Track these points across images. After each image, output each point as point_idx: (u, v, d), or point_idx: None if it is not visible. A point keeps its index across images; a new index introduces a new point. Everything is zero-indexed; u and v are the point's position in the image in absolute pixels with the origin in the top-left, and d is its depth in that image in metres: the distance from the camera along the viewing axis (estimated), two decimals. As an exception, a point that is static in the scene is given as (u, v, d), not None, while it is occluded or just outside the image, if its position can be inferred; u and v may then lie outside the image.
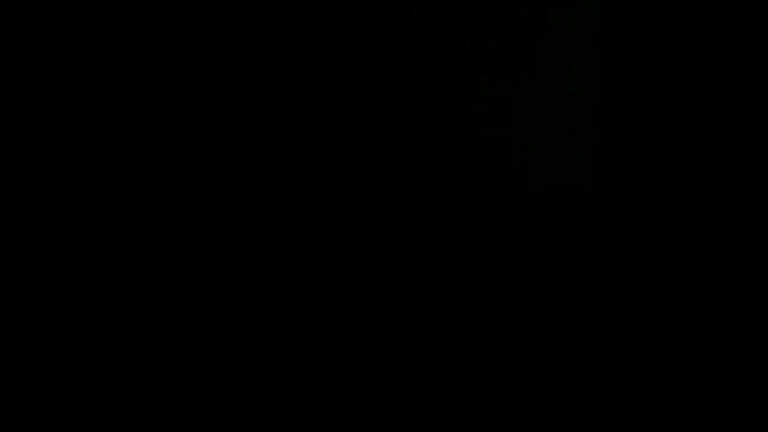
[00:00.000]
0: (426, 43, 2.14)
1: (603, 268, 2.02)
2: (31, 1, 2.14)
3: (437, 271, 2.13)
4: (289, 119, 2.16)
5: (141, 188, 2.15)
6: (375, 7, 2.15)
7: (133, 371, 2.13)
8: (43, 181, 2.13)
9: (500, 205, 2.12)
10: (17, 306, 2.12)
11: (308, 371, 2.14)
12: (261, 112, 2.16)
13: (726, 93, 1.99)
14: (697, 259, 1.99)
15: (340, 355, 2.14)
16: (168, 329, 2.14)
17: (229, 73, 2.17)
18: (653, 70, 2.03)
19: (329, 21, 2.15)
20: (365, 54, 2.15)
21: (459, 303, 2.13)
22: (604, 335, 2.02)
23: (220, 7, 2.16)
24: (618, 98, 2.04)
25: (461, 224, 2.13)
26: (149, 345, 2.14)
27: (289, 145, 2.16)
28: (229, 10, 2.16)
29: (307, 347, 2.14)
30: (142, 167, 2.16)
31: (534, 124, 2.13)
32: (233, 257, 2.15)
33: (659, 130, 2.02)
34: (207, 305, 2.15)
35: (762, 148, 1.97)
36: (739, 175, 1.98)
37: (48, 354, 2.12)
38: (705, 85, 2.00)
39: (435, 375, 2.13)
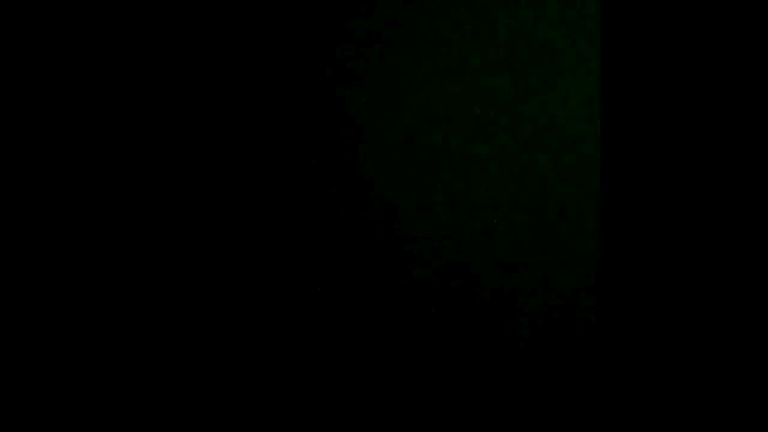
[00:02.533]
0: (426, 43, 2.14)
1: (603, 269, 2.03)
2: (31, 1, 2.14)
3: (437, 269, 2.13)
4: (290, 119, 2.16)
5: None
6: (375, 6, 2.15)
7: (120, 371, 2.14)
8: (43, 180, 2.13)
9: (500, 204, 2.12)
10: (17, 305, 2.12)
11: (309, 369, 2.14)
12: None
13: (727, 90, 2.00)
14: (699, 261, 1.99)
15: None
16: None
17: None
18: (653, 70, 2.03)
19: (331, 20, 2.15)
20: (366, 52, 2.14)
21: (459, 300, 2.13)
22: (605, 336, 2.03)
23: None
24: (618, 98, 2.04)
25: (460, 223, 2.14)
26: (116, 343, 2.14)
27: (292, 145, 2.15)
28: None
29: (307, 346, 2.15)
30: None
31: (535, 124, 2.13)
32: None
33: (659, 131, 2.02)
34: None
35: (762, 149, 1.98)
36: (741, 173, 1.99)
37: (48, 353, 2.12)
38: (705, 85, 2.01)
39: (434, 376, 2.13)
